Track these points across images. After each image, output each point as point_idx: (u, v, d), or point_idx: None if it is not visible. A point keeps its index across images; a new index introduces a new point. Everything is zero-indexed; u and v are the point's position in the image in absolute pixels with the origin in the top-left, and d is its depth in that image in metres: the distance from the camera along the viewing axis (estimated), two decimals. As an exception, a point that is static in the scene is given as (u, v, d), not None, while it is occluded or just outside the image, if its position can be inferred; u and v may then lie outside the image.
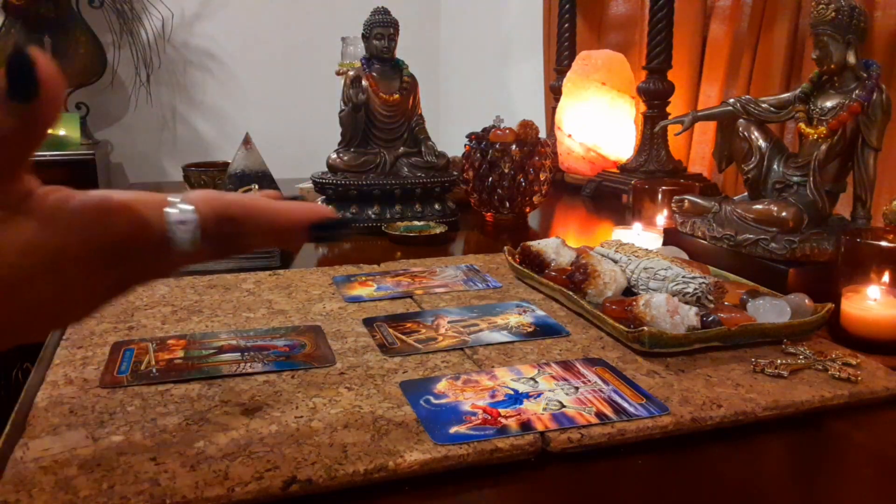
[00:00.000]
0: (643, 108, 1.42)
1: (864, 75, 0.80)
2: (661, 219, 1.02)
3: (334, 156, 1.17)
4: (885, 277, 0.66)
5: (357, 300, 0.76)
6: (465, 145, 1.22)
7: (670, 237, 0.95)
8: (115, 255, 0.37)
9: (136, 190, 0.40)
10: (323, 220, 0.42)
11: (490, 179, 1.18)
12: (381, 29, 1.17)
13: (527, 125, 1.19)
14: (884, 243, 0.69)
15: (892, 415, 0.54)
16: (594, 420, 0.49)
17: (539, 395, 0.52)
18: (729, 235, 0.86)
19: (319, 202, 1.18)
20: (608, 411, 0.50)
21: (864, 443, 0.51)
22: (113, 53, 2.38)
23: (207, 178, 1.34)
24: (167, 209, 0.38)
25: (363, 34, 1.20)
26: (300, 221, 0.42)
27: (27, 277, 0.34)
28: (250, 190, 1.06)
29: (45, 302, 0.35)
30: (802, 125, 0.84)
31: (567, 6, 1.72)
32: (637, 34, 1.64)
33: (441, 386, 0.54)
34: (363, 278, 0.83)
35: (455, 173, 1.23)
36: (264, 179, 1.07)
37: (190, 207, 0.38)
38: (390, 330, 0.66)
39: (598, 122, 1.50)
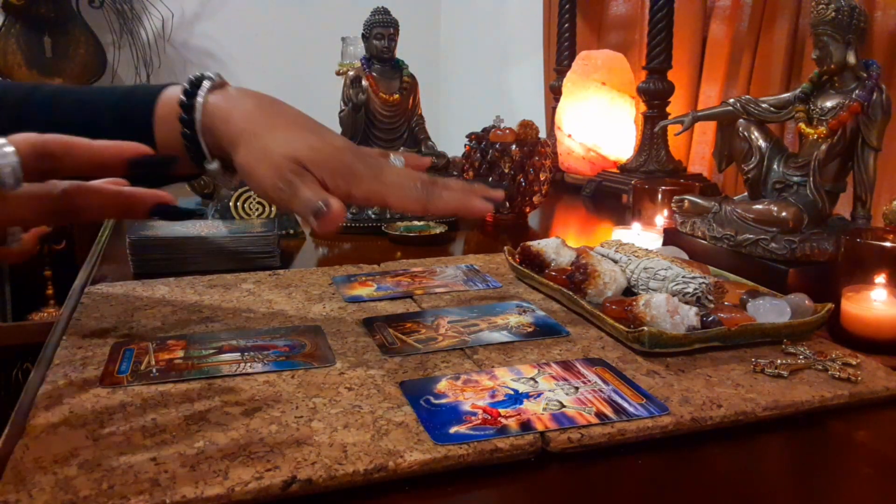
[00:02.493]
0: (643, 108, 1.42)
1: (864, 75, 0.80)
2: (661, 219, 1.02)
3: (334, 156, 1.17)
4: (884, 278, 0.66)
5: (357, 300, 0.76)
6: (465, 145, 1.22)
7: (670, 237, 0.95)
8: None
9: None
10: (141, 155, 0.44)
11: (490, 179, 1.18)
12: (381, 29, 1.17)
13: (527, 125, 1.19)
14: (884, 243, 0.69)
15: (892, 415, 0.54)
16: (594, 420, 0.49)
17: (539, 395, 0.52)
18: (729, 235, 0.86)
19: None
20: (608, 411, 0.50)
21: (864, 443, 0.51)
22: (113, 53, 2.38)
23: (207, 178, 1.34)
24: None
25: (363, 34, 1.20)
26: (118, 156, 0.43)
27: None
28: (250, 190, 1.06)
29: None
30: (802, 125, 0.84)
31: (567, 6, 1.72)
32: (637, 34, 1.64)
33: (441, 386, 0.54)
34: (363, 278, 0.83)
35: (455, 173, 1.23)
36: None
37: (10, 146, 0.39)
38: (390, 330, 0.66)
39: (598, 122, 1.50)
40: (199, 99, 0.57)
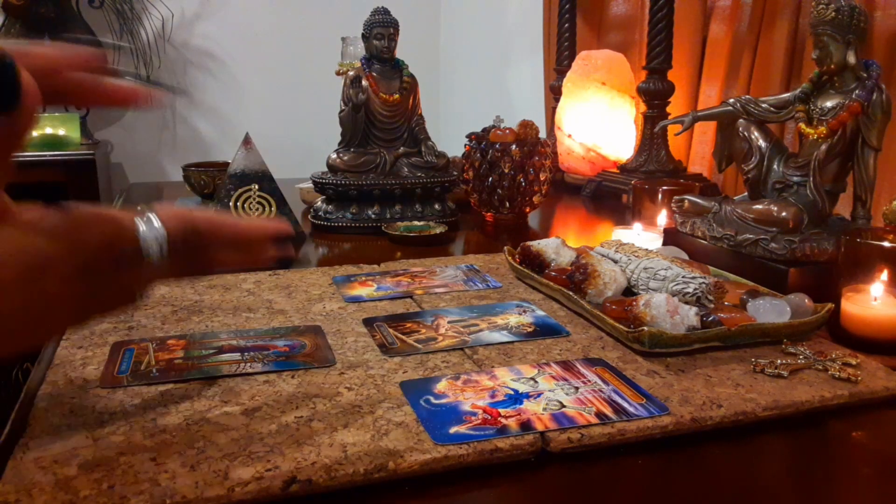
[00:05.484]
0: (643, 108, 1.42)
1: (864, 75, 0.80)
2: (662, 219, 1.02)
3: (334, 156, 1.17)
4: (885, 277, 0.66)
5: (357, 300, 0.76)
6: (465, 145, 1.22)
7: (670, 237, 0.95)
8: (90, 264, 0.38)
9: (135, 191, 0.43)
10: (283, 234, 0.46)
11: (490, 179, 1.18)
12: (381, 29, 1.17)
13: (527, 125, 1.19)
14: (884, 243, 0.69)
15: (892, 415, 0.54)
16: (594, 420, 0.49)
17: (539, 395, 0.52)
18: (729, 235, 0.86)
19: (319, 202, 1.18)
20: (608, 411, 0.50)
21: (864, 443, 0.51)
22: (113, 53, 2.38)
23: (207, 178, 1.34)
24: (138, 220, 0.40)
25: (363, 34, 1.20)
26: (264, 235, 0.45)
27: (4, 285, 0.34)
28: (250, 190, 1.06)
29: (15, 312, 0.35)
30: (802, 125, 0.84)
31: (567, 6, 1.72)
32: (637, 34, 1.64)
33: (441, 386, 0.54)
34: (363, 278, 0.83)
35: (455, 173, 1.23)
36: (264, 179, 1.07)
37: (158, 221, 0.40)
38: (390, 330, 0.66)
39: (598, 122, 1.50)
40: None
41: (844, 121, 0.80)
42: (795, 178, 0.85)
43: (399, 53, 1.21)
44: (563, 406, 0.51)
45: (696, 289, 0.67)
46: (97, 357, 0.59)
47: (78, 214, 0.38)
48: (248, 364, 0.58)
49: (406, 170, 1.17)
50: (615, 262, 0.76)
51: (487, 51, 2.45)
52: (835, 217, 0.85)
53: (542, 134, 1.34)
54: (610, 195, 1.42)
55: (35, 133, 1.89)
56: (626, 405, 0.51)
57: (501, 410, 0.50)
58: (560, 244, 0.83)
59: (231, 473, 0.42)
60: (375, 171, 1.16)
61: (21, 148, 0.36)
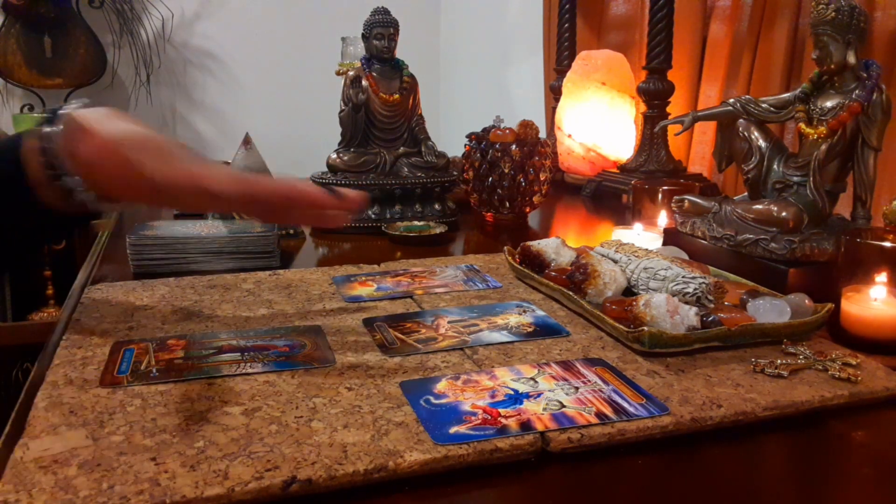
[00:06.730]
0: (643, 108, 1.42)
1: (864, 75, 0.80)
2: (662, 219, 1.02)
3: (334, 156, 1.17)
4: (885, 277, 0.66)
5: (357, 300, 0.76)
6: (465, 145, 1.22)
7: (670, 237, 0.95)
8: None
9: None
10: None
11: (490, 179, 1.18)
12: (381, 29, 1.17)
13: (527, 125, 1.19)
14: (884, 243, 0.69)
15: (892, 415, 0.54)
16: (594, 420, 0.49)
17: (539, 395, 0.52)
18: (729, 235, 0.86)
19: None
20: (608, 411, 0.50)
21: (864, 443, 0.51)
22: (113, 53, 2.38)
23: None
24: None
25: (363, 34, 1.20)
26: None
27: None
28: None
29: None
30: (802, 125, 0.84)
31: (567, 6, 1.72)
32: (637, 34, 1.64)
33: (441, 386, 0.54)
34: (363, 278, 0.83)
35: (455, 173, 1.23)
36: (264, 179, 1.07)
37: None
38: (390, 330, 0.66)
39: (598, 122, 1.50)
40: (61, 112, 0.58)
41: (844, 121, 0.80)
42: (795, 178, 0.85)
43: (399, 53, 1.21)
44: (563, 406, 0.51)
45: (696, 289, 0.67)
46: (97, 357, 0.59)
47: None
48: (248, 364, 0.58)
49: (406, 170, 1.17)
50: (615, 262, 0.76)
51: (487, 51, 2.45)
52: (835, 217, 0.85)
53: (542, 134, 1.33)
54: (610, 195, 1.42)
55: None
56: (626, 405, 0.51)
57: (501, 410, 0.50)
58: (560, 244, 0.83)
59: (231, 473, 0.42)
60: (375, 172, 1.16)
61: None
